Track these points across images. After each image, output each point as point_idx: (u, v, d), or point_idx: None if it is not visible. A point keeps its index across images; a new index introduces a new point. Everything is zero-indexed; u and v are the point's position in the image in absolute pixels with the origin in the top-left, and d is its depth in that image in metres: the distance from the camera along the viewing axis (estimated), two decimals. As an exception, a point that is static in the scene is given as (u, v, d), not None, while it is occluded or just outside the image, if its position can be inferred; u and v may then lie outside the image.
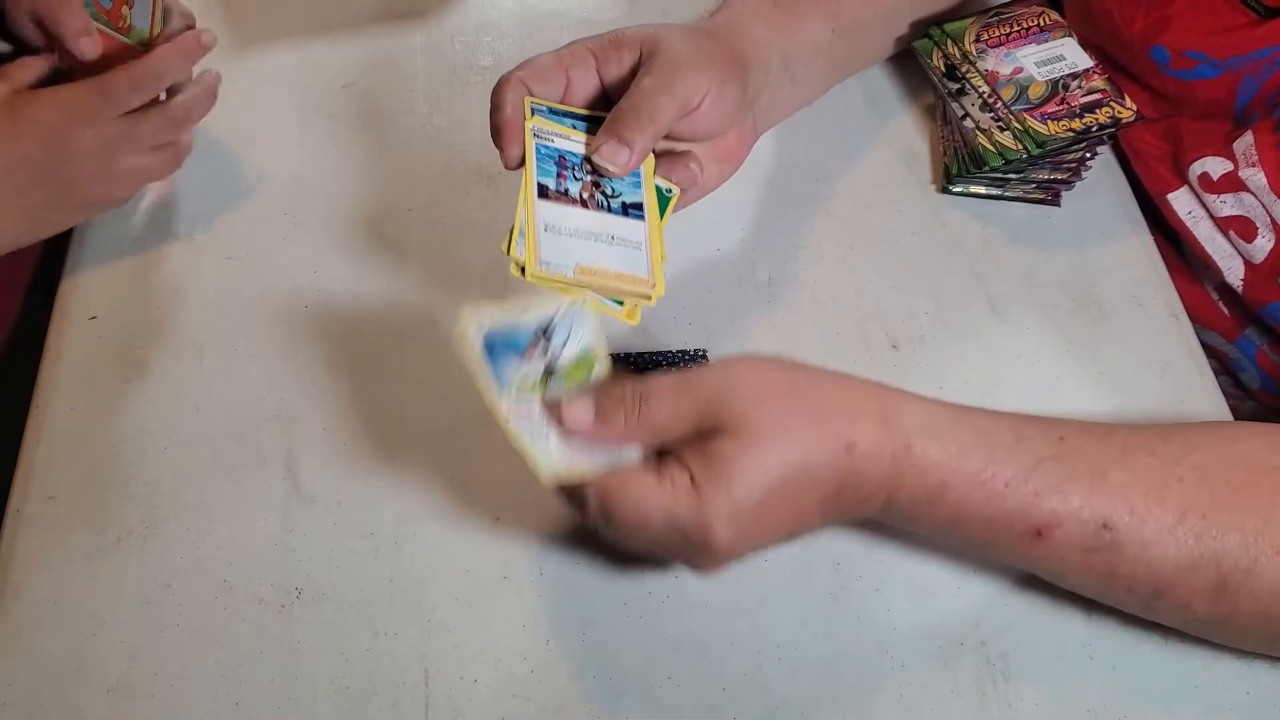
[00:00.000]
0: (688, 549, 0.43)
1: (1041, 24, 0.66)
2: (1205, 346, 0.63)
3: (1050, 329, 0.60)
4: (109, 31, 0.57)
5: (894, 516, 0.46)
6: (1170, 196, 0.64)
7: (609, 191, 0.49)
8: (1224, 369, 0.69)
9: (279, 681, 0.48)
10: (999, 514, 0.45)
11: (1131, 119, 0.62)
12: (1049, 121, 0.62)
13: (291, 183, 0.65)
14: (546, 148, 0.48)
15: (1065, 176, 0.65)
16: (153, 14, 0.57)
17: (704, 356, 0.58)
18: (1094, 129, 0.61)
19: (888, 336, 0.60)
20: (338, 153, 0.66)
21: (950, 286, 0.62)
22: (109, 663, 0.48)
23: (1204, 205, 0.62)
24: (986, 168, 0.62)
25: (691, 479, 0.42)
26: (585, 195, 0.48)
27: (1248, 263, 0.61)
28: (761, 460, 0.42)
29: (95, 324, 0.58)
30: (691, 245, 0.62)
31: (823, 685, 0.48)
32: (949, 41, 0.66)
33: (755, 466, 0.42)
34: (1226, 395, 0.60)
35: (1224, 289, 0.65)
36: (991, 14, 0.68)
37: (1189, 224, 0.63)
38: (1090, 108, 0.62)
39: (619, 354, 0.58)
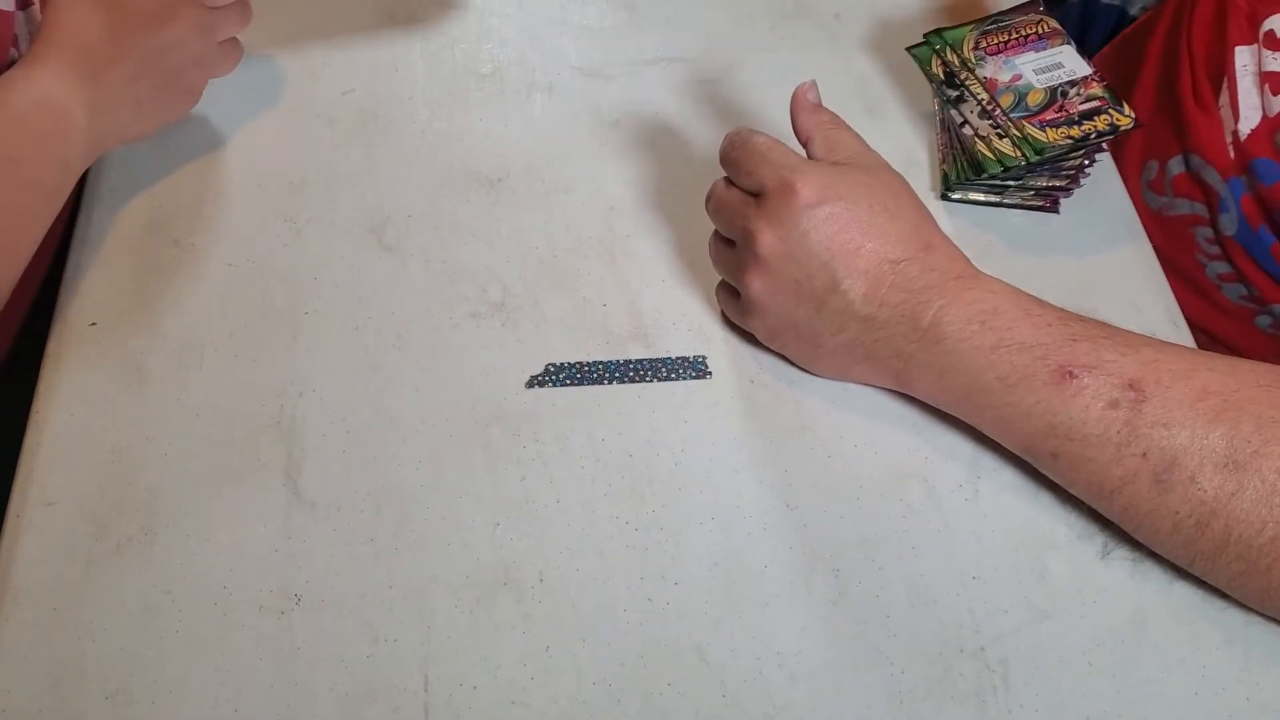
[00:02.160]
0: (773, 191, 0.51)
1: (1040, 31, 0.67)
2: (1200, 184, 0.70)
3: (1049, 335, 0.60)
4: None
5: (937, 340, 0.50)
6: (1238, 49, 0.70)
7: None
8: (1209, 214, 0.73)
9: (278, 688, 0.48)
10: (1038, 343, 0.49)
11: (1130, 126, 0.62)
12: (1048, 129, 0.62)
13: (292, 189, 0.65)
14: None
15: (1064, 183, 0.65)
16: None
17: (704, 363, 0.58)
18: (1092, 136, 0.62)
19: (887, 343, 0.60)
20: (338, 159, 0.66)
21: (949, 293, 0.62)
22: (108, 669, 0.48)
23: (1258, 61, 0.67)
24: (985, 175, 0.63)
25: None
26: None
27: (1265, 116, 0.65)
28: (867, 185, 0.51)
29: (95, 330, 0.58)
30: (690, 251, 0.63)
31: (823, 692, 0.48)
32: (948, 49, 0.67)
33: (859, 180, 0.52)
34: (1219, 287, 0.68)
35: (1237, 135, 0.70)
36: (990, 21, 0.68)
37: (1239, 75, 0.69)
38: (1088, 115, 0.62)
39: (615, 361, 0.58)
